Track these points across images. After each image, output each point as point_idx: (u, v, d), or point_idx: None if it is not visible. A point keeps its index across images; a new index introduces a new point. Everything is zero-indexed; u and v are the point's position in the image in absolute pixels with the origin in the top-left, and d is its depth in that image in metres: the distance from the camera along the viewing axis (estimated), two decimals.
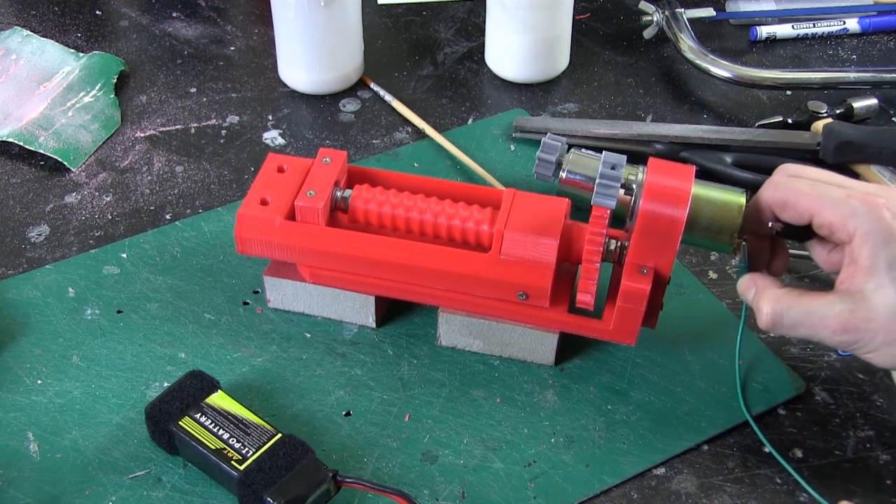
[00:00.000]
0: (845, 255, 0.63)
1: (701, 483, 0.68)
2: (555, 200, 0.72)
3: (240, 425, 0.67)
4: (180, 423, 0.67)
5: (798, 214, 0.64)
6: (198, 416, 0.67)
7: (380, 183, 0.76)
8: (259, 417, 0.67)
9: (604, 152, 0.67)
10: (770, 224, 0.67)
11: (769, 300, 0.64)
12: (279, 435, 0.66)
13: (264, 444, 0.66)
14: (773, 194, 0.65)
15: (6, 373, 0.73)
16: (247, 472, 0.64)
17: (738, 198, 0.67)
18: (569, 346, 0.75)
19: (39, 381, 0.73)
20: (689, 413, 0.71)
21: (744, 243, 0.68)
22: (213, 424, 0.67)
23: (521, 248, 0.70)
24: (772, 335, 0.76)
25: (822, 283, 0.80)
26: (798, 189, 0.64)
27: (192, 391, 0.69)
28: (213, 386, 0.69)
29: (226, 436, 0.66)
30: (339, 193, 0.74)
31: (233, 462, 0.65)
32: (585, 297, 0.68)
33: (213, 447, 0.66)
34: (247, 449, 0.65)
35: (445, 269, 0.71)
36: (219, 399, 0.68)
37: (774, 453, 0.68)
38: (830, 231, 0.63)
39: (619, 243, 0.70)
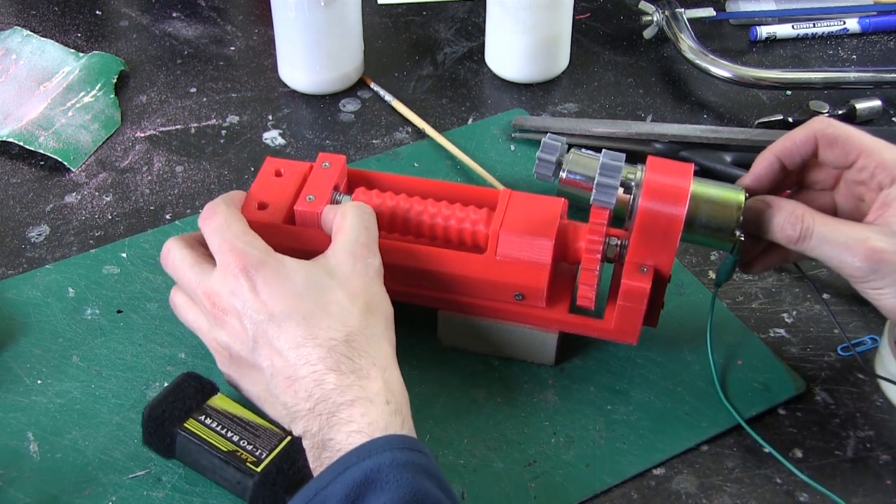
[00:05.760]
0: (879, 197, 0.65)
1: (701, 483, 0.68)
2: (551, 200, 0.72)
3: (248, 427, 0.66)
4: (185, 425, 0.66)
5: (845, 153, 0.67)
6: (202, 418, 0.67)
7: (378, 185, 0.76)
8: (262, 419, 0.67)
9: (603, 151, 0.67)
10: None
11: (799, 210, 0.66)
12: (289, 437, 0.65)
13: (276, 446, 0.65)
14: (823, 129, 0.67)
15: (6, 373, 0.73)
16: (265, 474, 0.63)
17: (737, 195, 0.67)
18: (569, 346, 0.74)
19: (39, 381, 0.73)
20: (689, 413, 0.71)
21: (741, 240, 0.68)
22: (220, 427, 0.66)
23: (517, 248, 0.70)
24: (772, 335, 0.76)
25: (822, 283, 0.80)
26: (851, 130, 0.67)
27: (191, 393, 0.68)
28: (212, 388, 0.69)
29: (236, 438, 0.66)
30: (338, 198, 0.74)
31: (248, 464, 0.64)
32: (585, 300, 0.68)
33: (224, 449, 0.65)
34: (259, 451, 0.65)
35: (441, 270, 0.71)
36: (220, 401, 0.68)
37: (775, 454, 0.68)
38: (873, 173, 0.65)
39: (619, 242, 0.69)
